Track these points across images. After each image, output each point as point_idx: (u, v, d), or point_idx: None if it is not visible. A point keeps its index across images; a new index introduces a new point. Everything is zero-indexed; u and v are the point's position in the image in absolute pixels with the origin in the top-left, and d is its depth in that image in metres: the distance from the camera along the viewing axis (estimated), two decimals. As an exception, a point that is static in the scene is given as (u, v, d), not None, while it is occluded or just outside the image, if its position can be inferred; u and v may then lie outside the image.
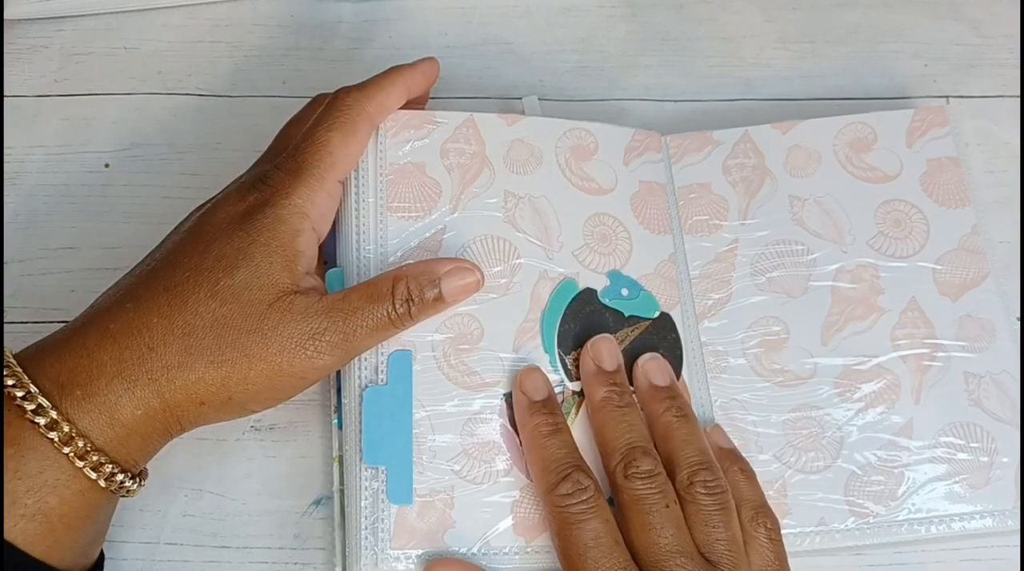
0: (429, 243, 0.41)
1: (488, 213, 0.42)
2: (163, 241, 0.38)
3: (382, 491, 0.37)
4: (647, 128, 0.47)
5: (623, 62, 0.52)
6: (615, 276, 0.43)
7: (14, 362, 0.33)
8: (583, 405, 0.40)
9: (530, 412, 0.38)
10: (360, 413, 0.38)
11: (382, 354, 0.39)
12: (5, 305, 0.46)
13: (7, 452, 0.32)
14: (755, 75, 0.52)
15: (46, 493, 0.32)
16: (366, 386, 0.39)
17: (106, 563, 0.38)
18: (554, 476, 0.36)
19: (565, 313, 0.41)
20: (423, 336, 0.39)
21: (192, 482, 0.42)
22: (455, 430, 0.39)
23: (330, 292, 0.37)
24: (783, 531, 0.38)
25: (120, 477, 0.34)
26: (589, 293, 0.42)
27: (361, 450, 0.38)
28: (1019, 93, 0.52)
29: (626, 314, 0.42)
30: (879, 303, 0.44)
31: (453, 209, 0.42)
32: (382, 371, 0.39)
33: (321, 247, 0.39)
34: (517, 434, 0.39)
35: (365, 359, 0.39)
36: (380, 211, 0.41)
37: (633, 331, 0.42)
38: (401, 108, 0.42)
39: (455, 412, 0.39)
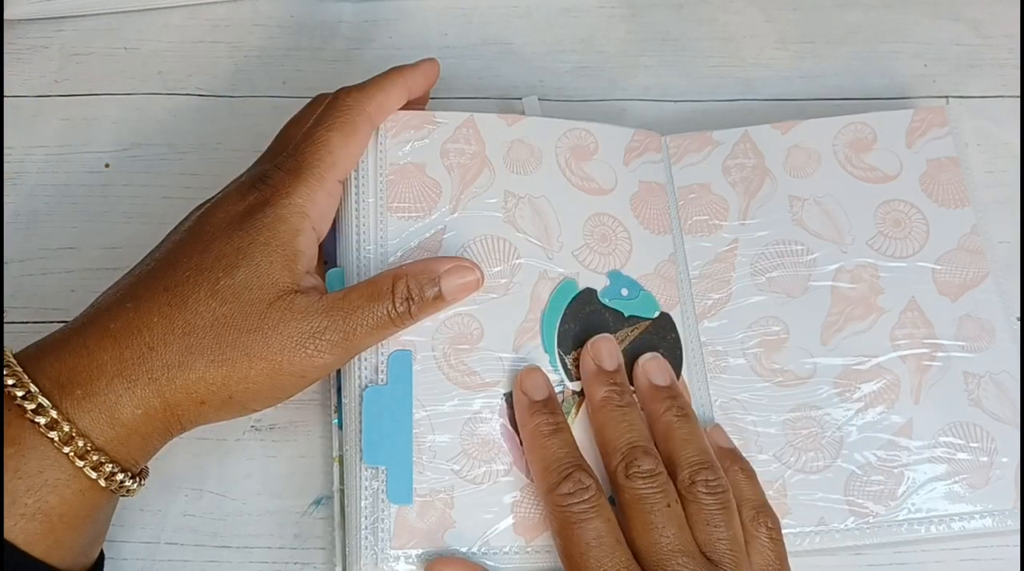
0: (429, 243, 0.41)
1: (488, 213, 0.42)
2: (163, 241, 0.38)
3: (382, 491, 0.37)
4: (647, 128, 0.47)
5: (623, 62, 0.52)
6: (615, 276, 0.43)
7: (14, 362, 0.33)
8: (583, 405, 0.40)
9: (531, 412, 0.38)
10: (360, 413, 0.38)
11: (382, 354, 0.39)
12: (5, 305, 0.46)
13: (7, 452, 0.32)
14: (755, 75, 0.52)
15: (46, 492, 0.32)
16: (366, 386, 0.39)
17: (106, 563, 0.38)
18: (555, 476, 0.36)
19: (565, 313, 0.41)
20: (423, 336, 0.39)
21: (192, 482, 0.42)
22: (455, 430, 0.39)
23: (330, 292, 0.37)
24: (783, 531, 0.38)
25: (120, 476, 0.34)
26: (589, 293, 0.42)
27: (361, 450, 0.38)
28: (1019, 93, 0.52)
29: (626, 314, 0.42)
30: (879, 303, 0.44)
31: (453, 209, 0.42)
32: (382, 371, 0.39)
33: (321, 247, 0.39)
34: (517, 434, 0.39)
35: (365, 359, 0.39)
36: (380, 211, 0.41)
37: (633, 331, 0.42)
38: (401, 109, 0.42)
39: (455, 412, 0.39)
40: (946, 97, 0.52)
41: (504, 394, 0.40)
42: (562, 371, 0.41)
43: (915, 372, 0.43)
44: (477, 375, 0.40)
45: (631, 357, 0.41)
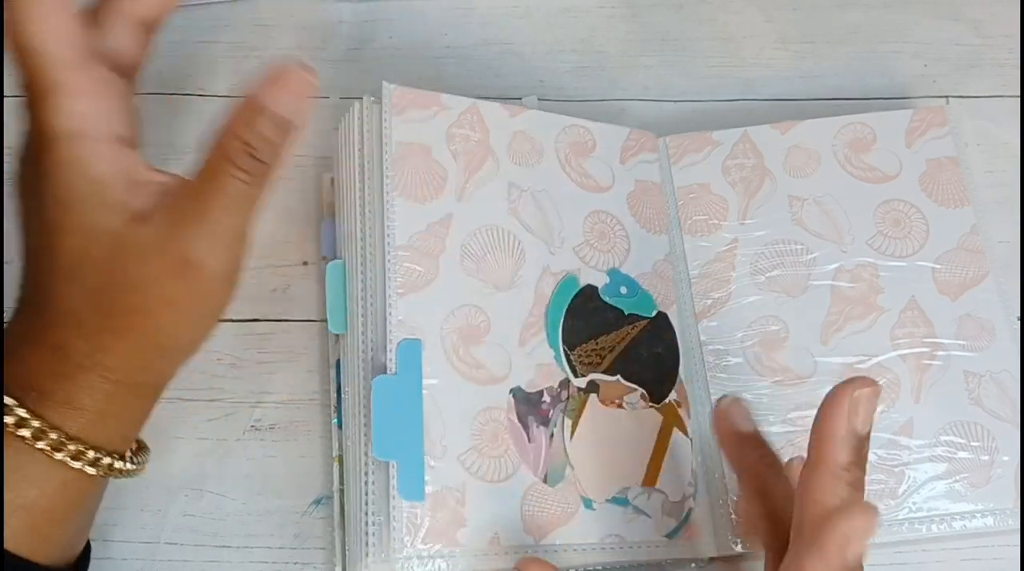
0: (437, 227, 0.41)
1: (493, 204, 0.42)
2: None
3: (393, 487, 0.36)
4: (647, 128, 0.47)
5: (623, 62, 0.53)
6: (614, 274, 0.43)
7: None
8: (588, 403, 0.40)
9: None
10: (367, 405, 0.37)
11: (390, 342, 0.38)
12: (5, 305, 0.46)
13: None
14: (755, 75, 0.52)
15: (26, 489, 0.32)
16: (375, 376, 0.38)
17: (106, 563, 0.38)
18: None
19: (568, 309, 0.42)
20: (431, 325, 0.39)
21: (192, 482, 0.42)
22: (464, 425, 0.38)
23: (330, 288, 0.36)
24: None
25: (107, 460, 0.33)
26: (591, 290, 0.42)
27: (370, 443, 0.37)
28: (1019, 93, 0.52)
29: (626, 312, 0.42)
30: (879, 302, 0.44)
31: (459, 197, 0.41)
32: (391, 360, 0.38)
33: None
34: (524, 429, 0.39)
35: (369, 348, 0.38)
36: (388, 191, 0.40)
37: (633, 329, 0.42)
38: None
39: (464, 407, 0.39)
40: (946, 97, 0.52)
41: (511, 389, 0.40)
42: (567, 366, 0.41)
43: (915, 371, 0.43)
44: (485, 368, 0.39)
45: (632, 353, 0.41)
